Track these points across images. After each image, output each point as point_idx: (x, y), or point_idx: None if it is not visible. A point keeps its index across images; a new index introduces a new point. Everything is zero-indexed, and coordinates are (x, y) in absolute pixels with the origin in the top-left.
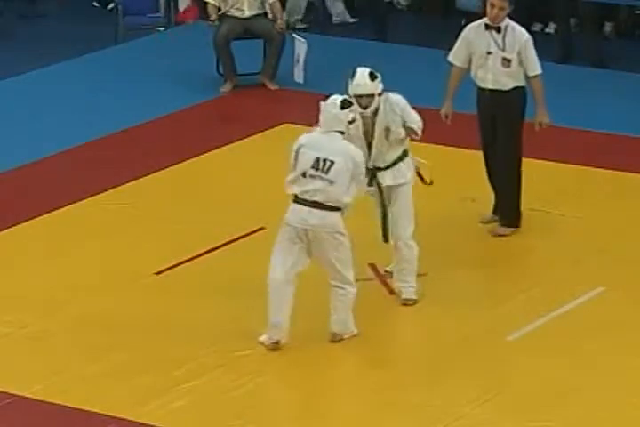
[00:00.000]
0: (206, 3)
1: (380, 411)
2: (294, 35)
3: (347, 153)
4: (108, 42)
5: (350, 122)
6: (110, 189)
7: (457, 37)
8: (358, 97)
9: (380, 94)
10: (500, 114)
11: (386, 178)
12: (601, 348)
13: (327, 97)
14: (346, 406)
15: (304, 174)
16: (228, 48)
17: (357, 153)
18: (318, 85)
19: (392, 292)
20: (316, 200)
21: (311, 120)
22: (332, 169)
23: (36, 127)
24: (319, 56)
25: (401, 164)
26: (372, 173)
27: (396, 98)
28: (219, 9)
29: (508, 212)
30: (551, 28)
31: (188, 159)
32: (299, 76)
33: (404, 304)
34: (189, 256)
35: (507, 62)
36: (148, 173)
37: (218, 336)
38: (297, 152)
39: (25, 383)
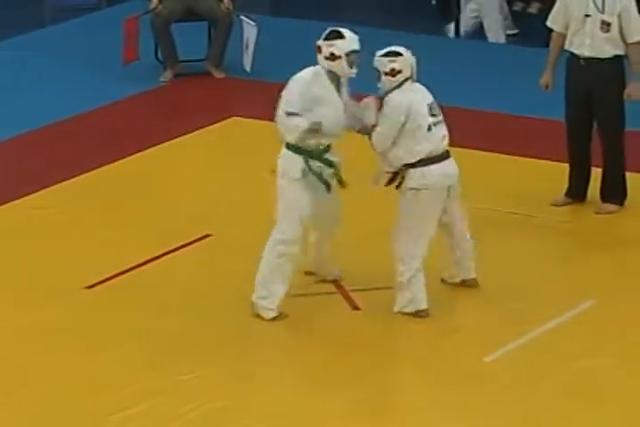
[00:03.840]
0: None
1: None
2: (242, 17)
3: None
4: (34, 24)
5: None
6: (35, 191)
7: (426, 17)
8: (353, 53)
9: None
10: (596, 86)
11: None
12: (590, 370)
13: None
14: None
15: (429, 127)
16: (169, 31)
17: None
18: (271, 74)
19: (355, 307)
20: (446, 148)
21: (263, 113)
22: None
23: None
24: (272, 40)
25: None
26: None
27: None
28: None
29: (614, 190)
30: (534, 8)
31: (123, 158)
32: (247, 63)
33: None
34: (125, 268)
35: (606, 26)
36: (79, 174)
37: (158, 358)
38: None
39: None
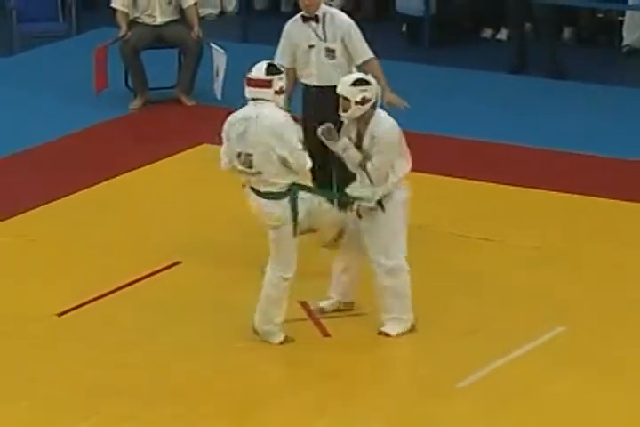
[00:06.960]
0: (114, 10)
1: None
2: (212, 44)
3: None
4: (3, 51)
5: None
6: (5, 219)
7: (395, 44)
8: None
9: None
10: (328, 114)
11: None
12: (559, 396)
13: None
14: None
15: None
16: (138, 59)
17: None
18: (241, 101)
19: (326, 333)
20: None
21: None
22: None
23: None
24: (242, 68)
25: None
26: None
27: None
28: (128, 17)
29: None
30: (503, 35)
31: (93, 185)
32: (218, 90)
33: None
34: (96, 295)
35: (331, 53)
36: (48, 201)
37: (126, 385)
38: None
39: None
